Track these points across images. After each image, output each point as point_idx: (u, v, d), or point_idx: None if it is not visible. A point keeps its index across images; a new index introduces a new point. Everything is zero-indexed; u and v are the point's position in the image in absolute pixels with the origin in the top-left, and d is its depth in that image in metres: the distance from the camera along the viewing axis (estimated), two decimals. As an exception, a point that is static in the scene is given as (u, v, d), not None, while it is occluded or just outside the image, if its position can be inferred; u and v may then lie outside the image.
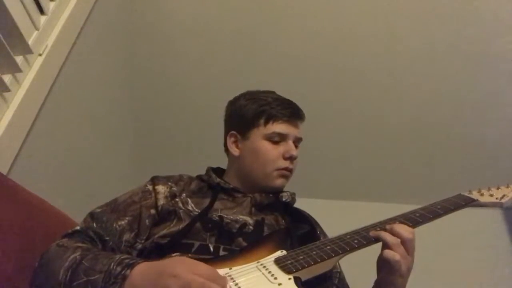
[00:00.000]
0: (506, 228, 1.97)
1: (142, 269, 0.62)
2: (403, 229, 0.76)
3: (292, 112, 1.01)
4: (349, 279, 0.99)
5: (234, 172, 1.02)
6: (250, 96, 1.05)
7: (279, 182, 0.98)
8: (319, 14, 1.71)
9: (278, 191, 1.00)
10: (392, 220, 0.82)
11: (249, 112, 1.00)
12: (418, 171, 2.01)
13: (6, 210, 0.77)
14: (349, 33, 1.73)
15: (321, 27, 1.73)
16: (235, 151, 1.02)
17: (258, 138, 0.98)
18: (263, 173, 0.97)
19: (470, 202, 0.89)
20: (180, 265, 0.61)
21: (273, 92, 1.07)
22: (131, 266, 0.63)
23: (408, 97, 1.84)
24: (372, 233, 0.78)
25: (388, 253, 0.74)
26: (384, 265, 0.76)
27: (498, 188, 0.93)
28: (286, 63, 1.81)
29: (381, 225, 0.81)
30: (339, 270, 0.98)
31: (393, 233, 0.76)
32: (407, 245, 0.75)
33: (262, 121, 0.99)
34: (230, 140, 1.03)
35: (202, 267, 0.62)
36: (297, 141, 1.02)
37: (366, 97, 1.86)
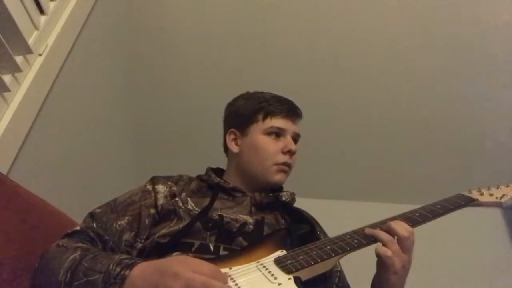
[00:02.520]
0: (506, 228, 1.96)
1: (142, 269, 0.62)
2: (399, 227, 0.77)
3: (289, 109, 1.02)
4: (349, 279, 0.99)
5: (233, 170, 1.03)
6: (248, 96, 1.07)
7: (278, 177, 0.98)
8: (319, 15, 1.71)
9: (278, 186, 1.00)
10: (392, 220, 0.82)
11: (248, 109, 1.02)
12: (418, 171, 2.01)
13: (6, 210, 0.77)
14: (350, 34, 1.73)
15: (323, 28, 1.73)
16: (234, 148, 1.02)
17: (257, 134, 1.00)
18: (262, 167, 0.97)
19: (470, 202, 0.89)
20: (180, 264, 0.60)
21: (271, 92, 1.08)
22: (130, 266, 0.63)
23: (408, 97, 1.84)
24: (367, 231, 0.78)
25: (380, 249, 0.75)
26: (378, 262, 0.77)
27: (498, 188, 0.94)
28: (287, 64, 1.81)
29: (381, 225, 0.81)
30: (339, 269, 0.98)
31: (388, 230, 0.77)
32: (402, 243, 0.75)
33: (260, 116, 1.00)
34: (229, 138, 1.04)
35: (203, 264, 0.62)
36: (295, 137, 1.03)
37: (366, 97, 1.85)
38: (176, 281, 0.57)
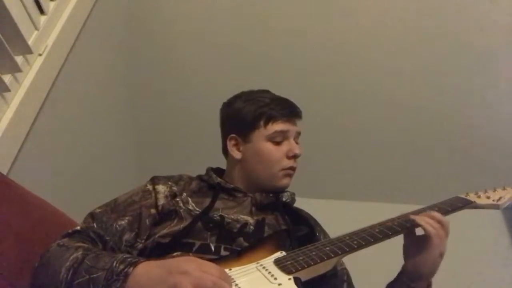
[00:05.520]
0: (506, 228, 1.97)
1: (146, 267, 0.62)
2: (436, 213, 0.83)
3: (290, 111, 1.01)
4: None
5: (236, 174, 1.02)
6: (246, 98, 1.03)
7: (284, 181, 0.98)
8: (318, 19, 1.71)
9: (283, 190, 1.00)
10: (391, 221, 0.83)
11: (248, 115, 1.00)
12: (419, 172, 2.01)
13: (6, 210, 0.77)
14: (349, 36, 1.73)
15: (322, 30, 1.73)
16: (236, 154, 1.01)
17: (260, 140, 0.98)
18: (269, 174, 0.97)
19: (467, 204, 0.91)
20: (189, 262, 0.61)
21: (268, 91, 1.06)
22: (134, 264, 0.63)
23: (410, 97, 1.84)
24: (413, 217, 0.83)
25: (429, 228, 0.80)
26: (419, 247, 0.82)
27: (494, 191, 0.95)
28: (287, 64, 1.81)
29: (381, 226, 0.82)
30: (344, 266, 0.98)
31: (431, 217, 0.83)
32: (444, 227, 0.82)
33: (262, 122, 0.99)
34: (230, 143, 1.02)
35: (210, 265, 0.62)
36: (297, 137, 1.03)
37: (366, 97, 1.85)
38: (186, 278, 0.57)
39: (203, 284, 0.57)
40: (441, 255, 0.82)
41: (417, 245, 0.82)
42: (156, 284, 0.59)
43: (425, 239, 0.80)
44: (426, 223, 0.81)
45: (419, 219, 0.82)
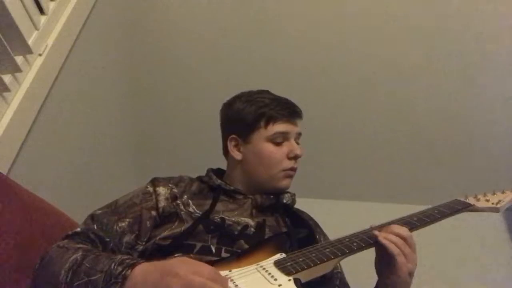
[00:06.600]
0: (506, 228, 1.97)
1: (143, 269, 0.62)
2: (400, 229, 0.79)
3: (291, 112, 1.01)
4: (349, 279, 1.00)
5: (237, 175, 1.02)
6: (246, 98, 1.03)
7: (285, 182, 0.98)
8: (318, 21, 1.71)
9: (284, 191, 1.00)
10: (390, 224, 0.83)
11: (249, 115, 0.99)
12: (418, 172, 2.01)
13: (6, 210, 0.77)
14: (349, 35, 1.73)
15: (321, 34, 1.73)
16: (237, 155, 1.01)
17: (260, 141, 0.98)
18: (269, 175, 0.97)
19: (466, 207, 0.91)
20: (182, 265, 0.61)
21: (268, 92, 1.06)
22: (132, 266, 0.63)
23: (409, 98, 1.84)
24: (377, 233, 0.79)
25: (394, 249, 0.75)
26: (389, 266, 0.77)
27: (494, 194, 0.95)
28: (287, 65, 1.81)
29: (379, 228, 0.82)
30: (339, 270, 0.98)
31: (394, 233, 0.78)
32: (409, 242, 0.77)
33: (262, 123, 0.98)
34: (231, 144, 1.02)
35: (204, 267, 0.62)
36: (298, 138, 1.02)
37: (366, 97, 1.85)
38: (176, 281, 0.57)
39: (192, 287, 0.57)
40: (411, 274, 0.76)
41: (386, 263, 0.77)
42: (149, 286, 0.59)
43: (391, 258, 0.76)
44: (390, 242, 0.76)
45: (381, 237, 0.77)
